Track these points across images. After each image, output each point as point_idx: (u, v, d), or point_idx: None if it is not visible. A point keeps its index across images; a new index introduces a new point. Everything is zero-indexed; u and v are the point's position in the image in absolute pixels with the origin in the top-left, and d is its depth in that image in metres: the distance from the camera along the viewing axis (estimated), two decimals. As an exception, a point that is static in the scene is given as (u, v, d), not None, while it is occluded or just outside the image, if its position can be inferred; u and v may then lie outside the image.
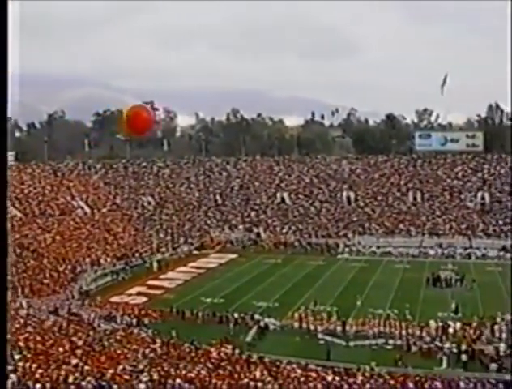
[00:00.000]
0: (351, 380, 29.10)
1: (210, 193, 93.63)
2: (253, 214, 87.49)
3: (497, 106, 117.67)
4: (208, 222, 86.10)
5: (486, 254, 70.20)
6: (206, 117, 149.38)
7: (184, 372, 29.11)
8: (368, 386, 28.26)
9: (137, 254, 69.66)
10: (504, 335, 38.24)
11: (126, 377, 28.06)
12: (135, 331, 39.80)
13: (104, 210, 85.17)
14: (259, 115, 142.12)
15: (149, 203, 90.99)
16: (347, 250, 74.51)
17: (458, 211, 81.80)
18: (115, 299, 50.99)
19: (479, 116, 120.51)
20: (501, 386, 29.20)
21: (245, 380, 28.28)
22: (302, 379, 28.81)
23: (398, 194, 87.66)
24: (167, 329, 39.61)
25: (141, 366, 29.89)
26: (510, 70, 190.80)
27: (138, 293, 53.85)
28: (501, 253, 69.89)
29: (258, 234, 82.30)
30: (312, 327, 41.17)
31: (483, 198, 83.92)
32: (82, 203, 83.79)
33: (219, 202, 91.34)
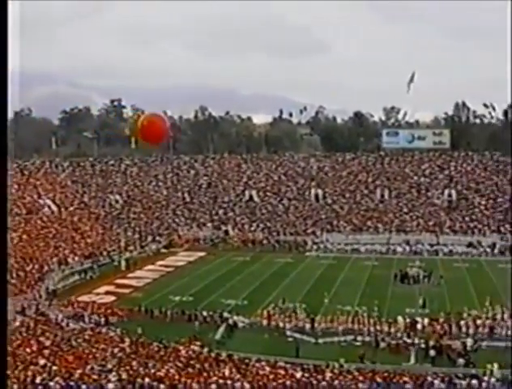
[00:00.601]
0: (320, 377, 29.28)
1: (178, 191, 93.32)
2: (221, 212, 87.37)
3: (464, 104, 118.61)
4: (176, 220, 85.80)
5: (453, 250, 70.99)
6: (174, 114, 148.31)
7: (153, 371, 29.09)
8: (337, 382, 28.43)
9: (105, 253, 69.38)
10: (471, 331, 38.74)
11: (95, 376, 27.98)
12: (103, 330, 39.62)
13: (71, 208, 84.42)
14: (227, 113, 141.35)
15: (117, 202, 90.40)
16: (315, 247, 74.73)
17: (426, 208, 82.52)
18: (83, 298, 50.42)
19: (446, 114, 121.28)
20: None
21: (214, 378, 28.32)
22: (271, 376, 28.94)
23: (365, 192, 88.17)
24: (135, 328, 39.37)
25: (109, 366, 29.80)
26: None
27: (107, 292, 53.46)
28: (468, 249, 70.84)
29: (227, 232, 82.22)
30: (281, 325, 41.26)
31: (450, 195, 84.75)
32: (49, 202, 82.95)
33: (188, 200, 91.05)
